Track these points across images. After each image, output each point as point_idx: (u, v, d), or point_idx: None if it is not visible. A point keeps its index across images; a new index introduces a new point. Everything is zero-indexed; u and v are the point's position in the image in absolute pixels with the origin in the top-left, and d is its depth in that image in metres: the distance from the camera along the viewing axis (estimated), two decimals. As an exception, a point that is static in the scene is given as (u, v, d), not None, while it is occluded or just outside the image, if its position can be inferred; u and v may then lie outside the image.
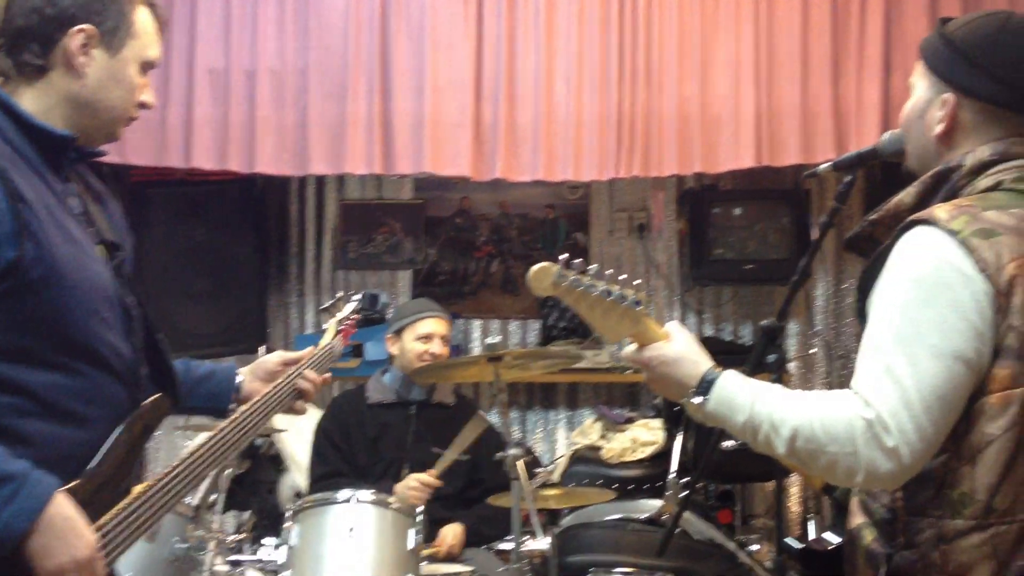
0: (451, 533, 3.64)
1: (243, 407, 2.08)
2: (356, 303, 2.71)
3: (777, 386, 1.66)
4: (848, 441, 1.50)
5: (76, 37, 1.82)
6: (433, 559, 3.50)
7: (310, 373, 2.25)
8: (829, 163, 2.14)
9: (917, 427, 1.49)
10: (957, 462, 1.56)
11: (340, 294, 2.78)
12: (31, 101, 1.82)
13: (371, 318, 2.91)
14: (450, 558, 3.59)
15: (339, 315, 2.61)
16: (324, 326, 2.57)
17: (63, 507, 1.65)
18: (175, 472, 1.87)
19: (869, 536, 1.68)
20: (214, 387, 2.16)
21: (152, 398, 1.89)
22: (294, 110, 4.22)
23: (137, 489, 1.80)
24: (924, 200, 1.71)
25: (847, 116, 4.15)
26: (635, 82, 4.16)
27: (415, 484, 3.53)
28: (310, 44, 4.21)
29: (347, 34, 4.19)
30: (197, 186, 4.73)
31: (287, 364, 2.26)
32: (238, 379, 2.21)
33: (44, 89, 1.82)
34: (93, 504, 1.72)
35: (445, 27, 4.19)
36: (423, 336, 3.84)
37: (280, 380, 2.20)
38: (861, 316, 1.67)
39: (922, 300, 1.54)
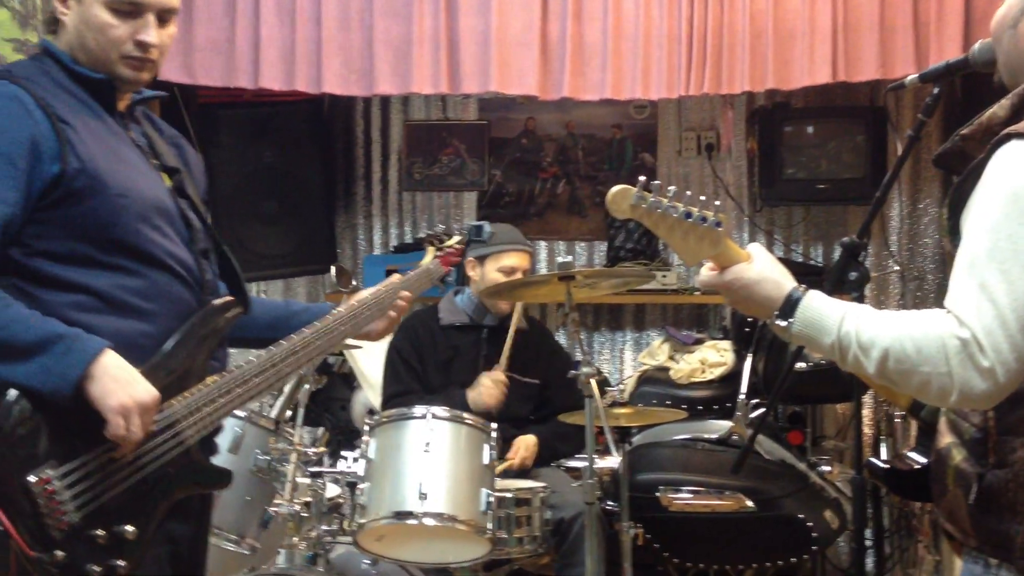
0: (524, 444, 3.69)
1: (329, 316, 2.24)
2: (461, 235, 2.88)
3: (864, 306, 1.63)
4: (942, 361, 1.47)
5: None
6: (507, 472, 3.55)
7: (404, 294, 2.43)
8: (915, 76, 2.08)
9: (1013, 346, 1.45)
10: (1052, 381, 1.52)
11: (443, 227, 3.05)
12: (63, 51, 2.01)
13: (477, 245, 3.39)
14: (523, 469, 3.63)
15: (442, 244, 2.78)
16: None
17: (116, 358, 1.82)
18: (257, 365, 2.02)
19: (958, 456, 1.66)
20: (311, 317, 2.27)
21: (222, 299, 2.06)
22: (360, 29, 4.17)
23: (212, 378, 1.97)
24: (1019, 113, 1.64)
25: (927, 29, 4.00)
26: (706, -4, 4.04)
27: (488, 383, 3.59)
28: (375, -39, 4.15)
29: (411, -50, 4.12)
30: (265, 107, 4.71)
31: None
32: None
33: (62, 39, 2.01)
34: (168, 389, 1.89)
35: (511, -59, 4.10)
36: (506, 269, 3.77)
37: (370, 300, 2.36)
38: (954, 233, 1.62)
39: (1018, 216, 1.49)
